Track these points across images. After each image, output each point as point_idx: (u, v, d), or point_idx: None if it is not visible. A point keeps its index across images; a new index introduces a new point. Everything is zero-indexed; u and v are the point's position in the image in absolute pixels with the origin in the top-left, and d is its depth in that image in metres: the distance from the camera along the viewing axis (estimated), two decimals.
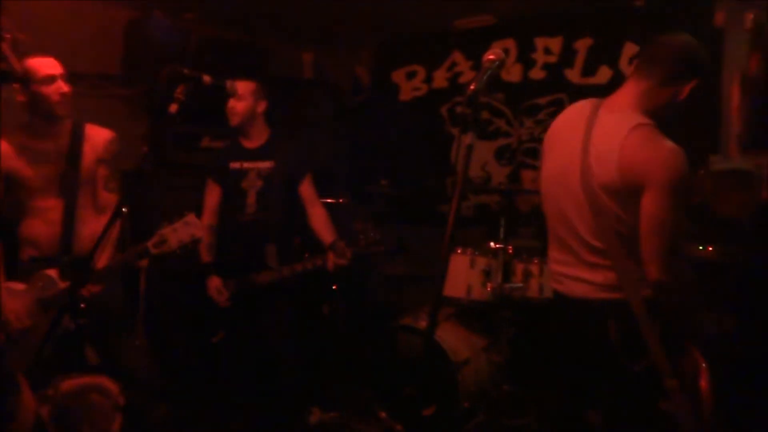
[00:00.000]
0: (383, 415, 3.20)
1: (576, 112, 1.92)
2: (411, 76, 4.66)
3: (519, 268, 3.23)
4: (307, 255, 3.00)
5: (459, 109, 4.50)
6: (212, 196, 2.98)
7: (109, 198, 2.45)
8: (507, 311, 3.26)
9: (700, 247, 2.74)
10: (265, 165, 2.89)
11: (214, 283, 2.85)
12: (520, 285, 3.20)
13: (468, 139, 1.43)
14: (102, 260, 2.30)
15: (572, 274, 1.89)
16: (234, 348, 2.92)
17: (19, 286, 2.18)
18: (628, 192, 1.71)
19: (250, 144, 2.93)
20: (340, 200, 3.97)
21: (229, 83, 2.03)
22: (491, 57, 1.53)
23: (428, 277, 3.82)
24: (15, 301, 2.06)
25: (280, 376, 2.97)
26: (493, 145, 4.35)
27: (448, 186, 4.51)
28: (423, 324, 3.25)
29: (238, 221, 2.90)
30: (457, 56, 4.46)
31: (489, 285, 3.21)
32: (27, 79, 2.21)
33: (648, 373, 1.72)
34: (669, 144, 1.71)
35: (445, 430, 3.02)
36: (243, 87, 2.69)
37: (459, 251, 3.33)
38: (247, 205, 2.88)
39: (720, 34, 3.59)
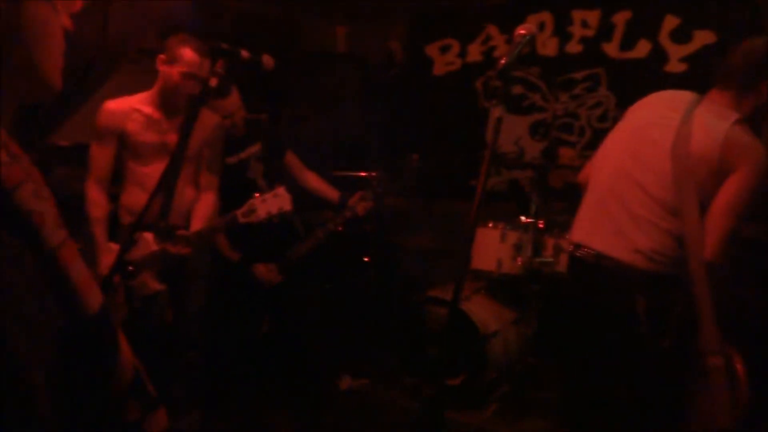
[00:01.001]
0: (413, 382, 3.29)
1: (670, 96, 2.05)
2: (445, 50, 4.64)
3: (549, 242, 3.25)
4: (330, 215, 3.07)
5: (494, 83, 4.48)
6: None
7: (210, 179, 2.56)
8: (536, 285, 3.29)
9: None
10: (256, 147, 2.94)
11: (260, 267, 2.91)
12: (551, 260, 3.21)
13: (497, 112, 1.45)
14: (194, 227, 2.42)
15: (615, 230, 1.94)
16: (268, 321, 3.02)
17: (116, 246, 2.30)
18: (720, 168, 1.82)
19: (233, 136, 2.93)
20: (372, 174, 4.01)
21: (265, 58, 2.07)
22: (522, 32, 1.54)
23: (458, 251, 3.89)
24: (111, 258, 2.16)
25: (312, 344, 3.07)
26: (527, 120, 4.32)
27: (481, 160, 4.50)
28: (451, 296, 3.30)
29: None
30: (492, 30, 4.42)
31: (519, 259, 3.23)
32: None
33: (674, 351, 1.75)
34: (760, 142, 1.87)
35: (471, 398, 3.09)
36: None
37: (490, 225, 3.36)
38: (261, 191, 2.96)
39: (758, 4, 3.48)
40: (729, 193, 1.79)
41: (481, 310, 3.25)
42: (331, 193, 3.09)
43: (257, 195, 2.23)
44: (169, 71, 2.34)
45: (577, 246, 2.07)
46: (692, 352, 1.73)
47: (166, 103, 2.40)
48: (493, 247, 3.30)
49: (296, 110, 4.32)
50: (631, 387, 1.89)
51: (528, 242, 3.22)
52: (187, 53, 2.29)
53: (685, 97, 2.00)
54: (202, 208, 2.52)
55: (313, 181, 3.14)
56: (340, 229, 2.99)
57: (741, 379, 1.74)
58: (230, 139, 2.82)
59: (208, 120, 2.50)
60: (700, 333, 1.71)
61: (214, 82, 2.01)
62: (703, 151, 1.83)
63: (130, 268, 2.22)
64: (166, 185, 2.28)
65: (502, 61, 1.46)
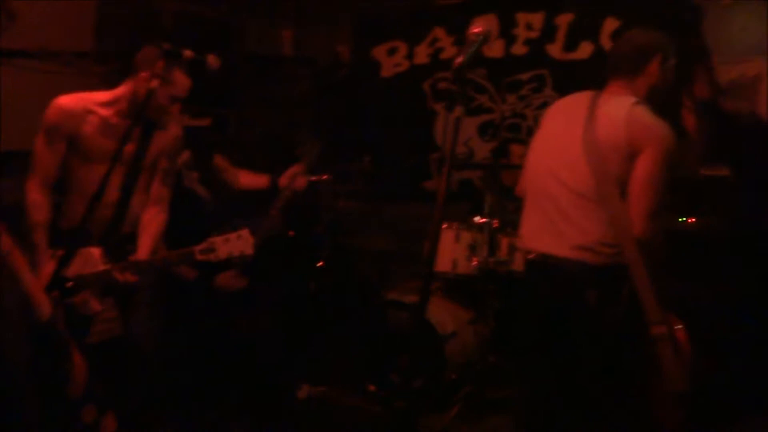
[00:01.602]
0: (372, 388, 3.24)
1: (575, 97, 2.17)
2: (392, 52, 4.62)
3: (504, 242, 3.27)
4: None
5: (443, 85, 4.51)
6: None
7: (162, 191, 2.41)
8: (492, 285, 3.30)
9: (681, 219, 2.79)
10: (185, 156, 2.85)
11: (221, 278, 2.85)
12: (506, 259, 3.23)
13: (456, 113, 1.43)
14: (143, 252, 2.25)
15: (553, 230, 2.02)
16: (223, 330, 2.92)
17: (59, 253, 2.14)
18: (629, 151, 1.91)
19: None
20: (323, 177, 3.95)
21: (211, 58, 1.99)
22: (476, 30, 1.53)
23: (412, 253, 3.88)
24: (52, 267, 2.04)
25: (268, 354, 2.98)
26: (476, 121, 4.35)
27: (431, 162, 4.51)
28: (409, 298, 3.28)
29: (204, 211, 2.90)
30: (439, 32, 4.43)
31: (474, 259, 3.24)
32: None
33: (626, 331, 1.84)
34: (662, 119, 1.98)
35: (432, 401, 3.06)
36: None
37: (445, 226, 3.35)
38: (201, 199, 2.92)
39: (699, 9, 3.62)
40: (642, 171, 1.89)
41: (439, 311, 3.24)
42: (261, 181, 3.05)
43: (217, 234, 2.11)
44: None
45: (527, 252, 2.18)
46: (640, 327, 1.81)
47: (131, 111, 2.22)
48: (448, 248, 3.30)
49: (244, 113, 4.22)
50: (595, 376, 1.92)
51: (483, 242, 3.23)
52: (180, 78, 2.17)
53: (588, 94, 2.12)
54: (152, 225, 2.36)
55: (243, 178, 3.09)
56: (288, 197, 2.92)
57: (683, 343, 1.85)
58: None
59: (171, 130, 2.37)
60: (643, 306, 1.80)
61: (155, 83, 1.91)
62: (610, 137, 1.93)
63: (69, 284, 2.07)
64: (122, 196, 2.16)
65: (458, 60, 1.44)
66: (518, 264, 3.22)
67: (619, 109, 1.97)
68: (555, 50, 4.05)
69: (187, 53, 1.94)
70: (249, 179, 3.08)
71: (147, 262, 2.20)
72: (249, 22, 4.36)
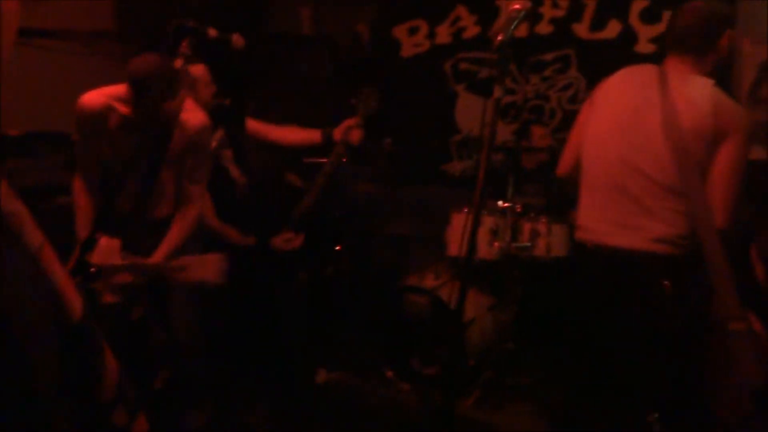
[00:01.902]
0: (390, 374, 3.22)
1: (636, 73, 2.01)
2: (413, 31, 4.53)
3: (526, 227, 3.20)
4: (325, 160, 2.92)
5: (465, 66, 4.40)
6: None
7: (191, 190, 2.29)
8: (514, 271, 3.25)
9: None
10: (219, 134, 2.79)
11: (277, 241, 2.78)
12: (528, 244, 3.17)
13: (497, 93, 1.37)
14: (157, 255, 2.22)
15: (630, 224, 1.88)
16: (246, 312, 2.90)
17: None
18: (714, 138, 1.80)
19: None
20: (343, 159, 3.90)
21: (235, 37, 1.94)
22: (517, 6, 1.47)
23: (432, 237, 3.83)
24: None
25: (286, 337, 2.96)
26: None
27: (452, 145, 4.44)
28: (429, 283, 3.24)
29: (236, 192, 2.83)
30: (461, 11, 4.33)
31: (496, 244, 3.18)
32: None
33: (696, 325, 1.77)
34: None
35: (451, 387, 3.04)
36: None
37: (466, 210, 3.29)
38: (234, 180, 2.83)
39: None
40: (727, 159, 1.79)
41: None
42: (313, 135, 2.91)
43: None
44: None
45: (596, 246, 1.97)
46: (710, 322, 1.73)
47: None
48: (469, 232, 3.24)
49: (263, 94, 4.16)
50: (662, 368, 1.84)
51: (505, 227, 3.18)
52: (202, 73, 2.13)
53: (651, 71, 1.97)
54: (176, 229, 2.29)
55: (288, 134, 2.97)
56: (344, 161, 2.85)
57: (763, 338, 1.77)
58: None
59: (192, 121, 2.22)
60: (719, 301, 1.71)
61: (179, 63, 1.86)
62: (696, 125, 1.80)
63: (92, 269, 2.05)
64: (142, 190, 2.14)
65: (499, 38, 1.38)
66: (541, 249, 3.17)
67: (702, 93, 1.83)
68: (582, 30, 3.93)
69: (212, 32, 1.88)
70: (297, 134, 2.93)
71: (154, 265, 2.17)
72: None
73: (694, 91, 1.84)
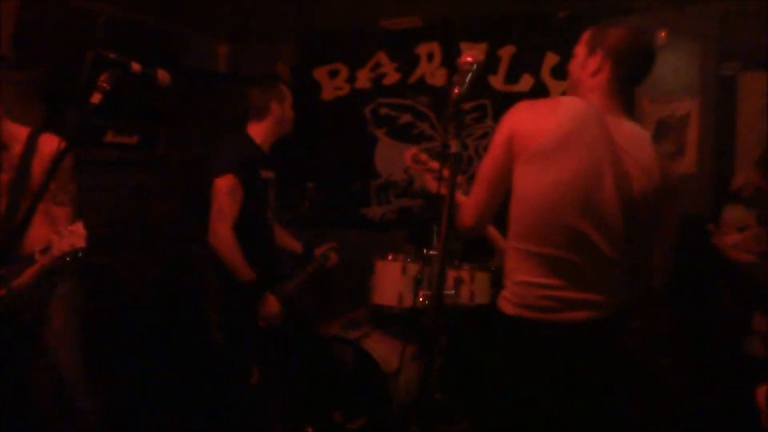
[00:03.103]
0: (310, 430, 3.05)
1: (579, 112, 1.66)
2: (333, 74, 4.51)
3: (450, 275, 3.19)
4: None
5: (384, 110, 4.41)
6: (238, 199, 2.63)
7: (57, 212, 2.21)
8: (440, 318, 3.21)
9: None
10: (269, 174, 2.81)
11: (272, 302, 2.66)
12: (452, 292, 3.15)
13: (454, 148, 1.33)
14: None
15: (582, 298, 1.65)
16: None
17: None
18: (659, 198, 1.67)
19: (266, 151, 2.83)
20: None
21: (161, 73, 1.79)
22: (469, 59, 1.45)
23: (352, 283, 3.73)
24: None
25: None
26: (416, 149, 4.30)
27: (372, 189, 4.41)
28: (352, 334, 3.14)
29: (264, 233, 2.80)
30: (381, 56, 4.37)
31: (421, 292, 3.14)
32: None
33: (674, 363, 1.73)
34: None
35: None
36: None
37: (390, 258, 3.24)
38: (268, 217, 2.81)
39: None
40: (673, 220, 1.73)
41: (382, 347, 3.11)
42: (295, 245, 3.07)
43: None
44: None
45: (551, 322, 1.66)
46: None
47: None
48: (394, 281, 3.19)
49: (175, 131, 3.95)
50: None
51: (431, 275, 3.14)
52: None
53: (588, 107, 1.67)
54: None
55: (283, 237, 3.06)
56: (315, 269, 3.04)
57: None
58: (264, 155, 2.79)
59: (46, 146, 2.18)
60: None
61: (97, 98, 1.69)
62: (648, 185, 1.64)
63: None
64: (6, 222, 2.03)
65: (456, 91, 1.35)
66: (464, 297, 3.16)
67: (645, 143, 1.67)
68: (497, 81, 4.08)
69: (135, 66, 1.72)
70: (286, 240, 3.06)
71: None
72: (186, 34, 4.11)
73: (642, 149, 1.66)
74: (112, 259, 3.59)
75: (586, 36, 1.76)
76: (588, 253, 1.64)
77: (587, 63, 1.73)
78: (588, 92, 1.71)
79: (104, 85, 1.69)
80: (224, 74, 4.51)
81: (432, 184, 2.05)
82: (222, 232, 2.56)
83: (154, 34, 3.65)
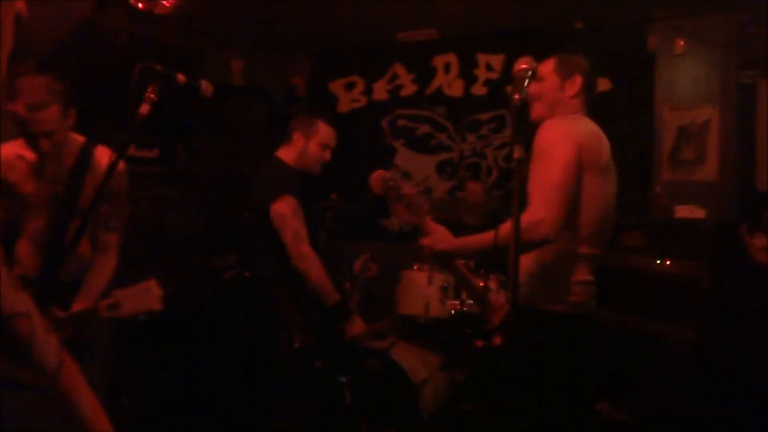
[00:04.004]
0: None
1: (592, 125, 1.87)
2: (350, 87, 4.53)
3: (478, 284, 3.18)
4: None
5: (402, 122, 4.42)
6: (302, 216, 2.54)
7: (107, 238, 2.04)
8: (468, 328, 3.19)
9: (658, 261, 2.82)
10: (333, 195, 2.89)
11: (358, 322, 2.63)
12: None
13: (517, 153, 1.33)
14: (77, 304, 1.94)
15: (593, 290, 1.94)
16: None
17: None
18: None
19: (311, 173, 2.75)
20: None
21: (204, 83, 1.79)
22: (524, 66, 1.46)
23: (376, 294, 3.71)
24: None
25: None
26: (434, 159, 4.32)
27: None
28: (379, 344, 3.12)
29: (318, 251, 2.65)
30: (398, 68, 4.40)
31: (447, 301, 3.13)
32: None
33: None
34: None
35: None
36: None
37: (416, 267, 3.23)
38: (320, 238, 2.73)
39: (652, 58, 3.79)
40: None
41: (410, 357, 3.09)
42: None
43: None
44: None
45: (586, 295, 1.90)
46: None
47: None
48: (420, 291, 3.17)
49: (193, 144, 3.96)
50: None
51: (457, 284, 3.13)
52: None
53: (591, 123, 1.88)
54: (93, 277, 2.02)
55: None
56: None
57: None
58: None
59: (102, 163, 1.95)
60: None
61: (145, 109, 1.69)
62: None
63: None
64: (51, 242, 1.92)
65: (516, 97, 1.36)
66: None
67: None
68: None
69: (181, 77, 1.73)
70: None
71: (75, 315, 1.89)
72: (202, 49, 4.14)
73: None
74: (132, 272, 3.59)
75: (554, 63, 1.91)
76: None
77: (565, 86, 1.89)
78: (570, 111, 1.87)
79: (152, 96, 1.69)
80: (238, 86, 4.53)
81: (403, 215, 2.01)
82: (308, 254, 2.48)
83: (171, 49, 3.67)
